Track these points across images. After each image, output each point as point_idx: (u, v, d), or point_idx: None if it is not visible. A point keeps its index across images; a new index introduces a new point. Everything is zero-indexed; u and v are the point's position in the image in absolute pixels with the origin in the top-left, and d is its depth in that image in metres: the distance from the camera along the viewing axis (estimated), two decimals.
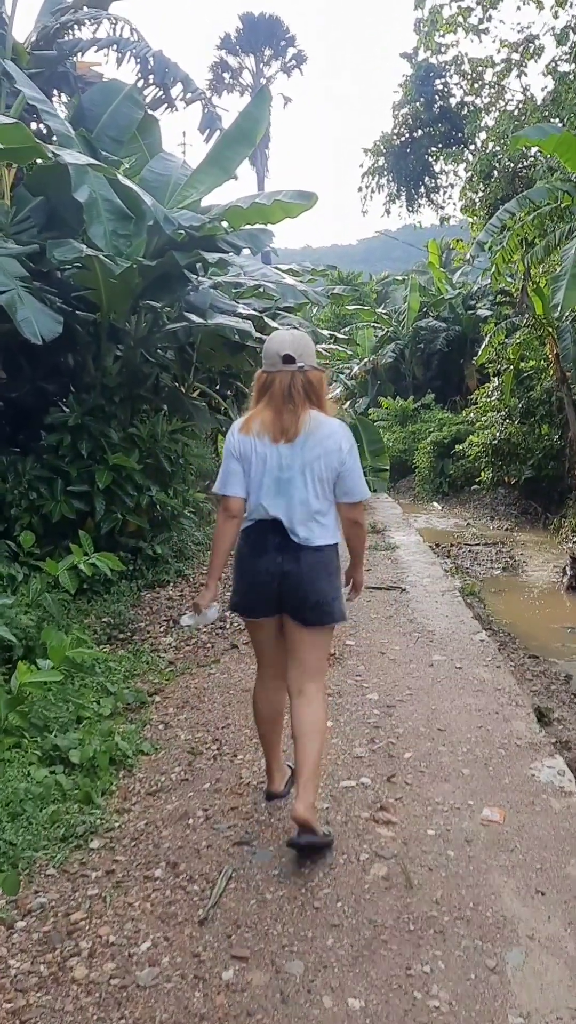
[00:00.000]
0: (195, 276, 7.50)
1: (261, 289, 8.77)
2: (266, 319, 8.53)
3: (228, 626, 5.57)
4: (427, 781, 3.31)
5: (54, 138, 6.84)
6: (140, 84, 8.17)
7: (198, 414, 7.73)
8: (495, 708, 4.07)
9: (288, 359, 2.83)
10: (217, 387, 11.26)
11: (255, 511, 2.86)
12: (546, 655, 5.73)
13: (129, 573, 6.70)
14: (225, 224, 7.49)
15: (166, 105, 8.08)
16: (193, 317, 7.33)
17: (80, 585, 5.24)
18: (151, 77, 8.01)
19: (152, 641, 5.39)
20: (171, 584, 6.83)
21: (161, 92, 8.15)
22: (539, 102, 16.44)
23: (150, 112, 8.57)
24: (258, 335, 7.63)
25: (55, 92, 9.55)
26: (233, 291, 8.90)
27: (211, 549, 3.37)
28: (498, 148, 14.96)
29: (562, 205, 11.28)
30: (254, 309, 8.79)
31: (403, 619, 5.64)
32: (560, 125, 10.55)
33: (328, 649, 3.15)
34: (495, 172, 16.65)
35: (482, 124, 16.45)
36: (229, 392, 11.94)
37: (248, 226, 7.67)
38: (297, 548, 2.79)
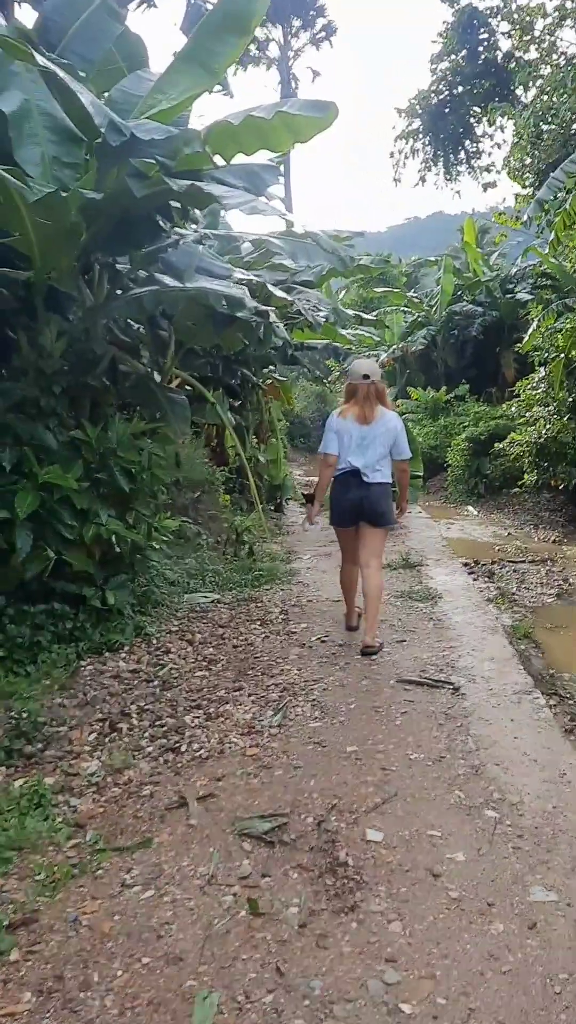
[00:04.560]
0: (170, 224, 5.55)
1: (264, 249, 6.80)
2: (271, 287, 6.55)
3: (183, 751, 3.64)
4: None
5: None
6: None
7: (175, 411, 5.78)
8: None
9: (366, 376, 5.11)
10: (218, 374, 9.27)
11: (343, 465, 5.02)
12: None
13: (67, 633, 4.81)
14: (217, 158, 5.51)
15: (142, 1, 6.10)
16: (166, 280, 5.38)
17: None
18: None
19: (68, 766, 3.47)
20: (126, 648, 4.91)
21: None
22: None
23: (132, 30, 6.63)
24: (256, 306, 5.65)
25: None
26: (226, 249, 6.94)
27: (316, 486, 5.39)
28: (555, 100, 12.79)
29: None
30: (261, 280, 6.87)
31: (461, 766, 3.31)
32: None
33: (384, 540, 5.26)
34: (544, 135, 14.50)
35: (535, 74, 14.24)
36: (234, 381, 9.96)
37: (244, 157, 5.69)
38: (368, 485, 4.98)
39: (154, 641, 5.08)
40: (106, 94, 5.86)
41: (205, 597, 5.91)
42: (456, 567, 7.74)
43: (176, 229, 6.16)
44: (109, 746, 3.73)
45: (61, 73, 4.32)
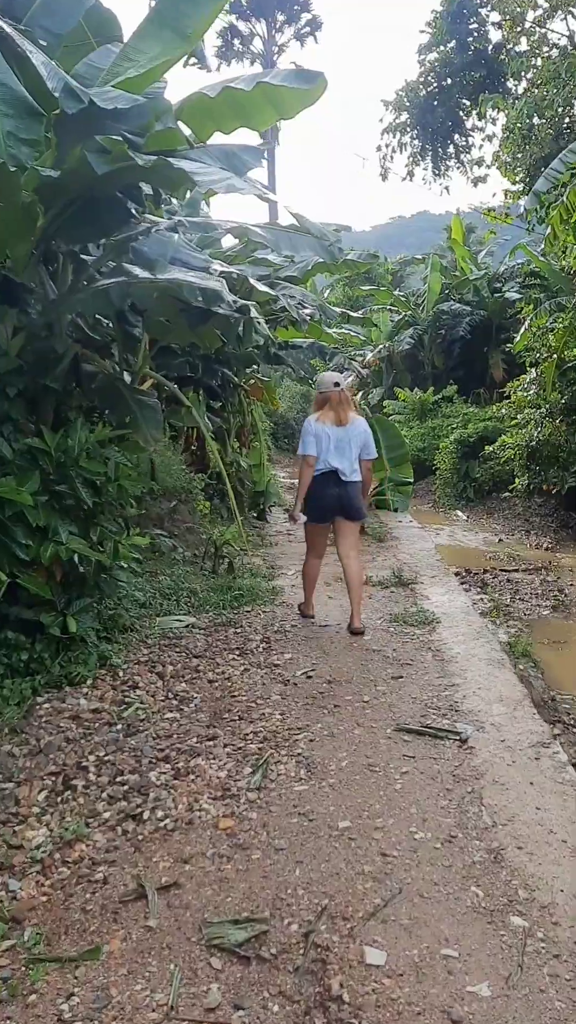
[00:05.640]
0: (141, 210, 5.01)
1: (245, 241, 6.27)
2: (253, 281, 6.01)
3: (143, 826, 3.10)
4: None
5: None
6: None
7: (146, 415, 5.23)
8: None
9: (336, 384, 5.64)
10: (197, 375, 8.70)
11: (323, 465, 5.42)
12: None
13: (22, 666, 4.27)
14: (188, 133, 4.96)
15: None
16: (136, 270, 4.83)
17: None
18: None
19: (11, 834, 2.94)
20: (89, 682, 4.36)
21: None
22: None
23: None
24: (236, 300, 5.12)
25: None
26: (206, 242, 6.40)
27: (298, 486, 5.71)
28: (548, 92, 12.32)
29: None
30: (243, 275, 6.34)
31: (477, 850, 2.72)
32: None
33: (359, 532, 5.97)
34: (536, 128, 14.03)
35: (527, 64, 13.76)
36: (215, 382, 9.40)
37: (221, 136, 5.16)
38: (346, 484, 5.45)
39: (120, 673, 4.54)
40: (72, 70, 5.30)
41: (179, 621, 5.37)
42: (453, 585, 7.21)
43: (149, 216, 5.62)
44: (61, 808, 3.19)
45: (9, 31, 3.77)
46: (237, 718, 3.91)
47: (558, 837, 2.80)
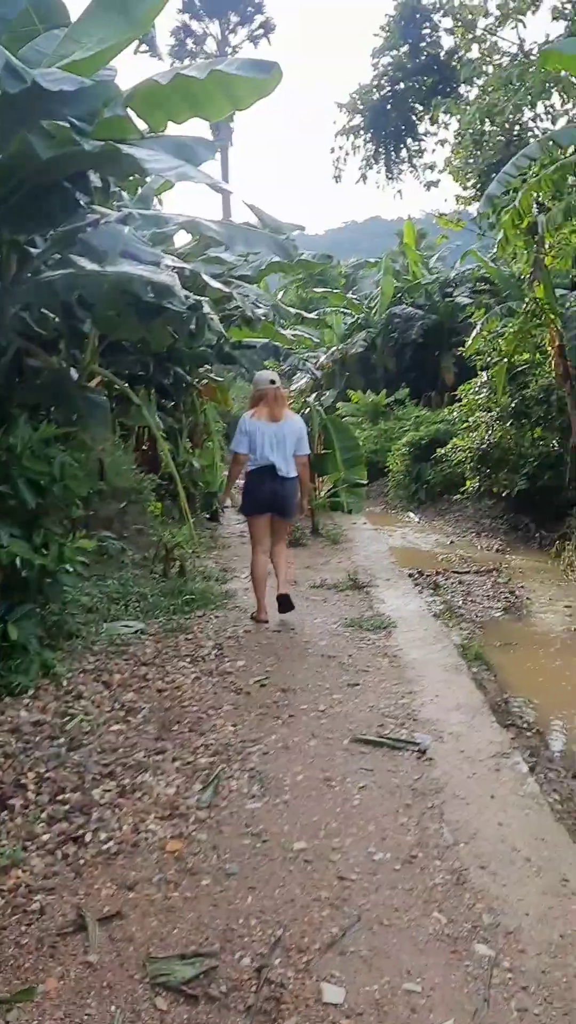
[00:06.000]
0: (88, 200, 4.82)
1: (199, 238, 6.10)
2: (206, 277, 5.85)
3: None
4: None
5: None
6: None
7: (94, 413, 5.03)
8: None
9: (272, 382, 5.82)
10: (149, 373, 8.48)
11: (261, 460, 5.55)
12: None
13: None
14: (144, 126, 4.78)
15: None
16: (84, 263, 4.63)
17: None
18: None
19: None
20: (30, 692, 4.15)
21: None
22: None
23: None
24: (188, 295, 4.96)
25: None
26: (159, 239, 6.21)
27: (227, 478, 6.34)
28: (500, 99, 12.39)
29: None
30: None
31: (438, 872, 2.57)
32: None
33: (290, 530, 6.59)
34: (487, 134, 14.13)
35: (478, 71, 13.85)
36: (167, 381, 9.18)
37: (173, 126, 4.98)
38: (283, 480, 5.59)
39: (64, 683, 4.33)
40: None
41: (127, 627, 5.17)
42: (408, 587, 7.14)
43: (99, 208, 5.43)
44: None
45: None
46: (187, 730, 3.74)
47: (522, 855, 2.68)
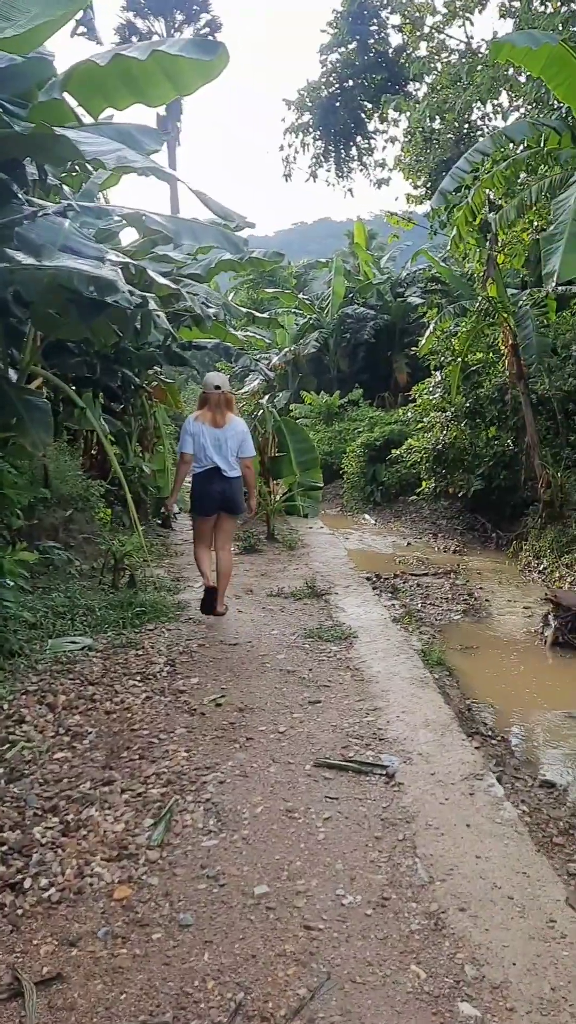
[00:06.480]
0: (24, 190, 4.52)
1: (145, 234, 5.83)
2: (152, 273, 5.58)
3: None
4: None
5: None
6: None
7: (34, 417, 4.73)
8: None
9: (217, 387, 5.79)
10: (96, 375, 8.15)
11: (206, 462, 5.67)
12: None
13: None
14: (79, 109, 4.50)
15: None
16: (20, 256, 4.33)
17: None
18: None
19: None
20: None
21: None
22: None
23: None
24: (132, 290, 4.69)
25: None
26: (103, 236, 5.92)
27: (174, 480, 6.30)
28: (448, 96, 12.33)
29: (544, 149, 8.73)
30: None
31: (414, 915, 2.37)
32: (556, 34, 7.98)
33: (235, 526, 6.35)
34: (437, 132, 14.08)
35: (427, 68, 13.78)
36: (115, 383, 8.86)
37: (113, 114, 4.72)
38: (228, 479, 5.70)
39: (5, 706, 4.03)
40: None
41: (74, 643, 4.88)
42: (368, 595, 6.94)
43: (37, 200, 5.12)
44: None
45: None
46: (137, 756, 3.47)
47: (503, 893, 2.46)
